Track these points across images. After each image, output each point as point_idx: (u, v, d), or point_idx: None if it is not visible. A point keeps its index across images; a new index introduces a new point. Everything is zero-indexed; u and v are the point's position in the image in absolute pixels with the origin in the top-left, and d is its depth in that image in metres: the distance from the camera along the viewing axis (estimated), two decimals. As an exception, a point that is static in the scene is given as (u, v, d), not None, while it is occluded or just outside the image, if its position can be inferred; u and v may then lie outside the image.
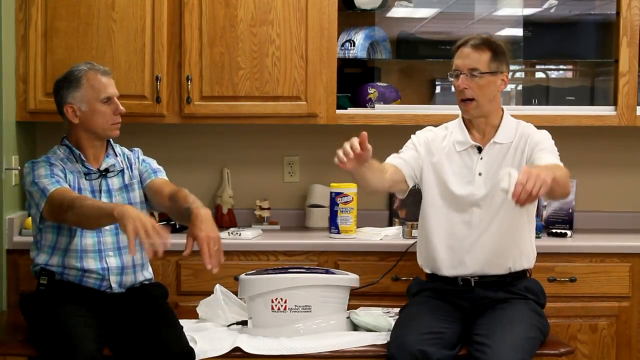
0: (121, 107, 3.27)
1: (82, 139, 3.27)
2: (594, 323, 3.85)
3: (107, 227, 3.22)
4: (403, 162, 3.35)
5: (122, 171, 3.33)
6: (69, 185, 3.20)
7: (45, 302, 3.14)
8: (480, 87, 3.26)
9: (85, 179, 3.26)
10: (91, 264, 3.21)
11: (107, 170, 3.30)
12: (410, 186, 3.39)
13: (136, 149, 3.46)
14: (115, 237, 3.26)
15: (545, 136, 3.31)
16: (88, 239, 3.22)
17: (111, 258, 3.24)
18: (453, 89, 3.33)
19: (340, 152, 3.02)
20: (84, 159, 3.27)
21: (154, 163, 3.44)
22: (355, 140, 3.01)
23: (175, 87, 4.02)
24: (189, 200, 3.13)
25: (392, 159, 3.38)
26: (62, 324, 3.05)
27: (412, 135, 3.45)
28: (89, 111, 3.23)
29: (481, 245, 3.29)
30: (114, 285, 3.24)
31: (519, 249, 3.31)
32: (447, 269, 3.31)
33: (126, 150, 3.43)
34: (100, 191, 3.27)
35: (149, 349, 3.03)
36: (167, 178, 3.43)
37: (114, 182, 3.31)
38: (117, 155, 3.36)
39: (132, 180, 3.36)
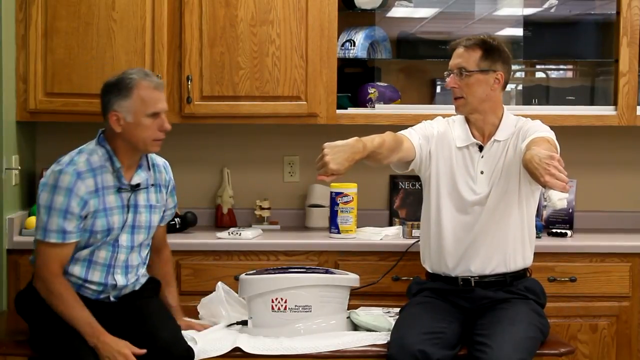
0: (167, 125, 3.14)
1: (121, 147, 3.12)
2: (594, 323, 3.85)
3: (123, 244, 3.16)
4: (418, 146, 3.34)
5: (147, 187, 3.23)
6: (88, 213, 3.08)
7: (43, 302, 3.08)
8: (469, 86, 3.28)
9: (116, 193, 3.14)
10: (96, 276, 3.14)
11: (138, 185, 3.19)
12: (409, 169, 3.39)
13: (169, 167, 3.36)
14: (128, 255, 3.20)
15: (537, 123, 3.32)
16: (102, 252, 3.14)
17: (118, 276, 3.18)
18: (451, 88, 3.37)
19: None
20: (122, 173, 3.13)
21: (174, 201, 3.41)
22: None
23: (176, 87, 4.02)
24: (171, 292, 3.39)
25: (413, 137, 3.35)
26: (61, 328, 3.02)
27: (426, 122, 3.43)
28: (134, 123, 3.08)
29: (482, 243, 3.29)
30: (112, 298, 3.20)
31: (518, 245, 3.31)
32: (452, 268, 3.32)
33: (159, 161, 3.32)
34: (128, 206, 3.16)
35: (149, 351, 3.02)
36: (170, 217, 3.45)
37: (140, 198, 3.20)
38: (149, 169, 3.23)
39: (157, 204, 3.26)
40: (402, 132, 3.37)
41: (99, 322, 3.06)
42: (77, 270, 3.12)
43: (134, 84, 3.09)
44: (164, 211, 3.35)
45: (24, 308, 3.20)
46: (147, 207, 3.22)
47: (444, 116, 3.50)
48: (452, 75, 3.30)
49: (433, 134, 3.38)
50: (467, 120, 3.38)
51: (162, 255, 3.43)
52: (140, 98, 3.09)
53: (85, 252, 3.12)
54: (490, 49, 3.29)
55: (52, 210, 3.04)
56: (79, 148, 3.17)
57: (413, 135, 3.35)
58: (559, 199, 2.86)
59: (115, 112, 3.10)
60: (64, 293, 3.05)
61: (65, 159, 3.12)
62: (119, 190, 3.14)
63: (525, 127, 3.30)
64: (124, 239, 3.17)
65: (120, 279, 3.17)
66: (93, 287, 3.15)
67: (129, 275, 3.21)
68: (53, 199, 3.04)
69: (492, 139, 3.33)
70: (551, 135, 3.22)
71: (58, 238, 3.05)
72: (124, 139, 3.12)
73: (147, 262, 3.31)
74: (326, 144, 3.06)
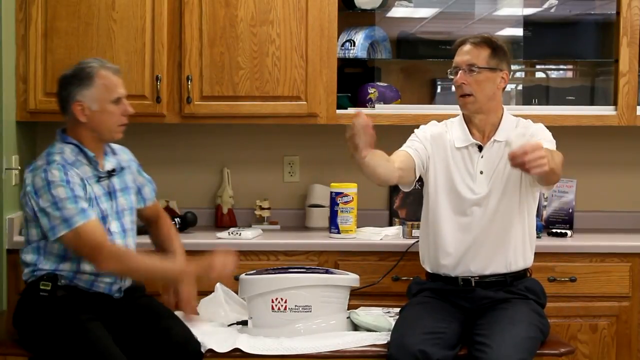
0: (130, 108, 3.20)
1: (86, 138, 3.17)
2: (594, 323, 3.85)
3: (115, 230, 3.18)
4: (414, 151, 3.35)
5: (118, 171, 3.27)
6: (89, 199, 3.11)
7: (59, 313, 3.05)
8: (478, 83, 3.28)
9: (97, 183, 3.17)
10: None
11: (113, 170, 3.24)
12: (417, 177, 3.37)
13: (127, 149, 3.39)
14: (123, 240, 3.22)
15: (540, 128, 3.32)
16: None
17: None
18: (453, 88, 3.35)
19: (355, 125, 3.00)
20: (97, 160, 3.17)
21: (146, 177, 3.43)
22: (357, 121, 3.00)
23: (175, 87, 4.02)
24: (174, 250, 3.34)
25: (401, 149, 3.37)
26: (94, 343, 3.00)
27: (416, 130, 3.44)
28: (99, 111, 3.13)
29: (482, 243, 3.29)
30: (122, 287, 3.21)
31: (518, 246, 3.31)
32: (452, 269, 3.32)
33: (116, 146, 3.35)
34: (110, 193, 3.20)
35: (164, 347, 3.05)
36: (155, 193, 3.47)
37: (116, 182, 3.25)
38: (114, 154, 3.29)
39: (130, 185, 3.30)
40: None
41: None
42: (87, 266, 3.12)
43: (95, 72, 3.14)
44: (140, 190, 3.38)
45: (35, 321, 3.12)
46: (124, 190, 3.27)
47: (444, 117, 3.50)
48: (460, 72, 3.29)
49: (426, 137, 3.38)
50: (467, 121, 3.38)
51: (160, 222, 3.43)
52: (103, 85, 3.14)
53: None
54: (497, 48, 3.29)
55: (61, 202, 3.03)
56: (45, 152, 3.18)
57: (404, 148, 3.37)
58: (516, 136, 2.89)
59: (79, 102, 3.13)
60: (133, 253, 3.13)
61: (40, 162, 3.14)
62: (98, 179, 3.18)
63: (529, 130, 3.30)
64: (114, 226, 3.20)
65: None
66: (106, 279, 3.16)
67: None
68: (54, 194, 3.04)
69: (492, 139, 3.33)
70: (553, 145, 3.24)
71: (82, 218, 3.04)
72: (89, 128, 3.16)
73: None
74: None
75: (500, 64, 3.30)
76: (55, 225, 3.05)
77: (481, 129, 3.36)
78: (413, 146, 3.36)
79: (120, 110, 3.17)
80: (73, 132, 3.19)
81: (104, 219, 3.15)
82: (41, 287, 3.11)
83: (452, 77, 3.33)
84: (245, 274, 3.35)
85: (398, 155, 3.33)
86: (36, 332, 3.09)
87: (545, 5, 4.30)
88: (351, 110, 4.12)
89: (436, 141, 3.37)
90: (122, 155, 3.34)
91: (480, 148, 3.34)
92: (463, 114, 3.39)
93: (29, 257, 3.17)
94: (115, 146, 3.34)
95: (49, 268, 3.12)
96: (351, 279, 3.38)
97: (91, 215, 3.07)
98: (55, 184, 3.05)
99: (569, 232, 4.09)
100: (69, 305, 3.07)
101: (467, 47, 3.31)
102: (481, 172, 3.32)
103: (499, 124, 3.35)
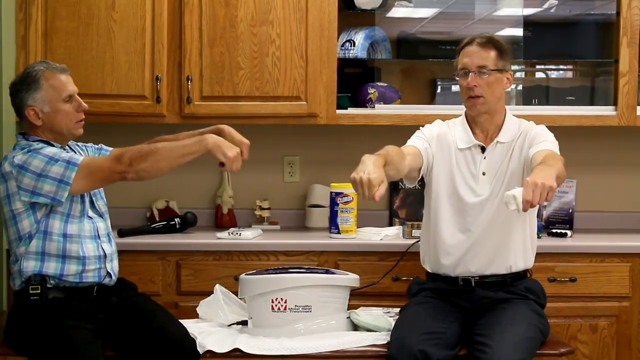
0: (84, 104, 3.22)
1: (48, 138, 3.20)
2: (594, 323, 3.85)
3: (93, 215, 3.21)
4: (424, 150, 3.33)
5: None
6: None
7: (46, 319, 3.04)
8: (489, 85, 3.27)
9: None
10: (90, 250, 3.16)
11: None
12: (420, 176, 3.37)
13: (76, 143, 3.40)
14: (104, 223, 3.26)
15: (542, 130, 3.31)
16: (86, 225, 3.17)
17: (105, 244, 3.22)
18: (456, 88, 3.35)
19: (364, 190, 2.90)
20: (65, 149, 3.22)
21: (94, 145, 3.44)
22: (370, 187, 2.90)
23: (175, 87, 4.02)
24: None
25: (414, 142, 3.35)
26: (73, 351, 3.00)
27: (422, 128, 3.43)
28: (52, 112, 3.17)
29: (482, 245, 3.29)
30: (110, 271, 3.22)
31: (519, 248, 3.31)
32: (452, 269, 3.32)
33: (77, 145, 3.38)
34: None
35: (160, 344, 3.05)
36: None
37: None
38: (74, 152, 3.28)
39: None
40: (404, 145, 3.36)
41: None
42: (74, 248, 3.13)
43: (41, 75, 3.18)
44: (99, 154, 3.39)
45: (25, 332, 3.12)
46: None
47: (443, 117, 3.50)
48: (471, 73, 3.26)
49: (433, 137, 3.37)
50: (470, 122, 3.37)
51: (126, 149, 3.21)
52: (51, 86, 3.18)
53: (75, 227, 3.15)
54: (501, 49, 3.29)
55: (55, 156, 3.08)
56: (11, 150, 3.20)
57: (416, 142, 3.35)
58: (514, 195, 2.84)
59: (31, 106, 3.18)
60: (151, 144, 3.14)
61: (16, 149, 3.15)
62: None
63: (532, 132, 3.29)
64: (91, 211, 3.23)
65: (107, 247, 3.22)
66: (92, 266, 3.16)
67: (111, 243, 3.27)
68: (44, 153, 3.09)
69: (495, 141, 3.33)
70: (555, 146, 3.22)
71: (79, 157, 3.10)
72: (47, 130, 3.20)
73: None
74: (352, 175, 2.92)
75: (505, 65, 3.30)
76: (63, 174, 3.07)
77: (485, 130, 3.35)
78: (423, 145, 3.34)
79: (73, 107, 3.20)
80: (34, 134, 3.22)
81: (82, 197, 3.17)
82: (31, 291, 3.10)
83: (458, 78, 3.32)
84: (245, 274, 3.34)
85: (410, 149, 3.30)
86: (25, 338, 3.09)
87: (545, 5, 4.30)
88: (351, 111, 4.13)
89: (441, 142, 3.37)
90: (75, 147, 3.34)
91: (482, 149, 3.34)
92: (466, 114, 3.39)
93: (13, 265, 3.16)
94: (75, 146, 3.35)
95: (33, 269, 3.10)
96: (351, 279, 3.38)
97: (79, 158, 3.12)
98: (39, 148, 3.11)
99: (569, 232, 4.09)
100: (57, 310, 3.07)
101: (474, 48, 3.28)
102: (484, 174, 3.32)
103: (502, 125, 3.35)
